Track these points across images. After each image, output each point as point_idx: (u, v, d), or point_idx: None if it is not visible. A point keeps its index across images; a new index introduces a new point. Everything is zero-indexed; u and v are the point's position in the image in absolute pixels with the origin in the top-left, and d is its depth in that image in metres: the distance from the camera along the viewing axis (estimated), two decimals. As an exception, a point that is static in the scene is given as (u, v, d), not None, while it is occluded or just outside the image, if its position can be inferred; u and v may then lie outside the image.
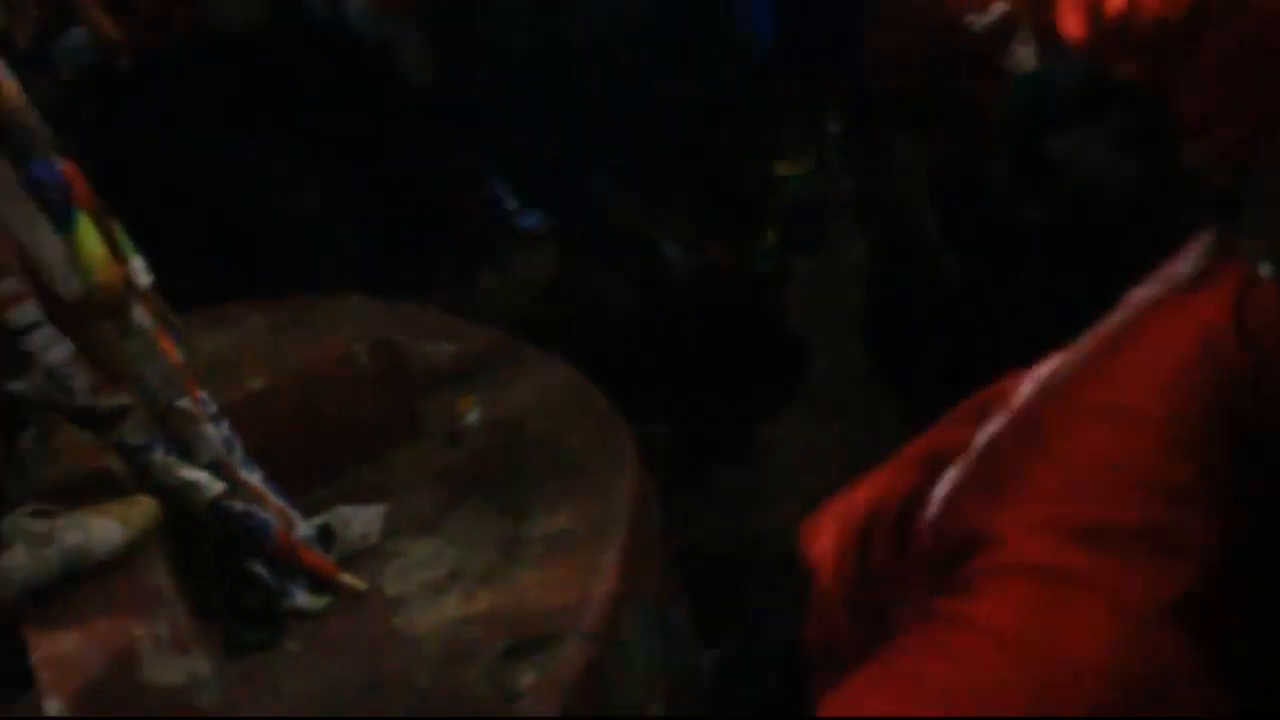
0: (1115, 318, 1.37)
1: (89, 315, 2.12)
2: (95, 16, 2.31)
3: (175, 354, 2.16)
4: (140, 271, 2.20)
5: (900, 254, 2.85)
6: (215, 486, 2.18)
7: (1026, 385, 1.40)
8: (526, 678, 2.04)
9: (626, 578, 2.21)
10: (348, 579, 2.27)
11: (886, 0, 2.83)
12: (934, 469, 1.45)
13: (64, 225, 2.03)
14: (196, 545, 2.24)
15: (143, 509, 2.12)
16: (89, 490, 2.21)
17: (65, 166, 2.06)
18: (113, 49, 2.36)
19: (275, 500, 2.25)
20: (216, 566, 2.25)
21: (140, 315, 2.10)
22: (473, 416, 2.60)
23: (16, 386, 2.13)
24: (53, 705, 1.87)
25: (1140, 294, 1.37)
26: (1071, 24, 1.88)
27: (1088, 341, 1.37)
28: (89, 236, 2.06)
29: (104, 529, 2.07)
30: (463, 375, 2.70)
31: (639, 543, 2.31)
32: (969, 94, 2.82)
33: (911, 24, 2.81)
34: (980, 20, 2.76)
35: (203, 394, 2.20)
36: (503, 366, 2.70)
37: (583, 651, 2.08)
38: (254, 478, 2.24)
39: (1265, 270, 1.29)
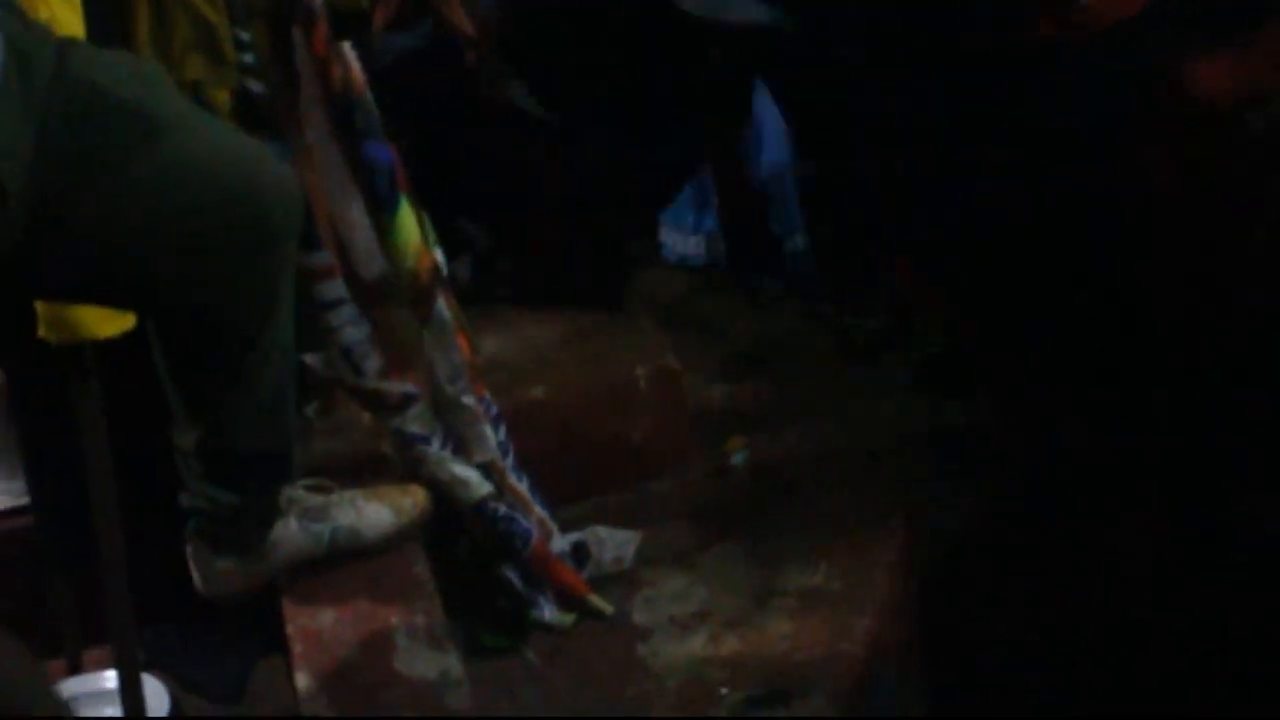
0: None
1: (391, 300, 2.15)
2: (456, 14, 2.35)
3: (469, 350, 2.17)
4: (441, 263, 2.21)
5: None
6: (484, 487, 2.19)
7: None
8: (767, 729, 2.00)
9: (878, 643, 2.15)
10: (596, 600, 2.25)
11: None
12: None
13: (389, 208, 2.06)
14: (450, 542, 2.25)
15: (415, 499, 2.13)
16: (362, 471, 2.24)
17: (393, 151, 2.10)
18: (468, 44, 2.39)
19: (538, 510, 2.25)
20: (468, 566, 2.25)
21: (443, 306, 2.12)
22: (739, 458, 2.57)
23: (311, 359, 2.17)
24: (302, 679, 1.88)
25: None
26: None
27: None
28: (408, 222, 2.08)
29: (376, 513, 2.08)
30: (735, 416, 2.67)
31: (893, 609, 2.25)
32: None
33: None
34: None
35: (486, 393, 2.21)
36: (776, 414, 2.66)
37: (827, 711, 2.03)
38: (522, 485, 2.24)
39: None
